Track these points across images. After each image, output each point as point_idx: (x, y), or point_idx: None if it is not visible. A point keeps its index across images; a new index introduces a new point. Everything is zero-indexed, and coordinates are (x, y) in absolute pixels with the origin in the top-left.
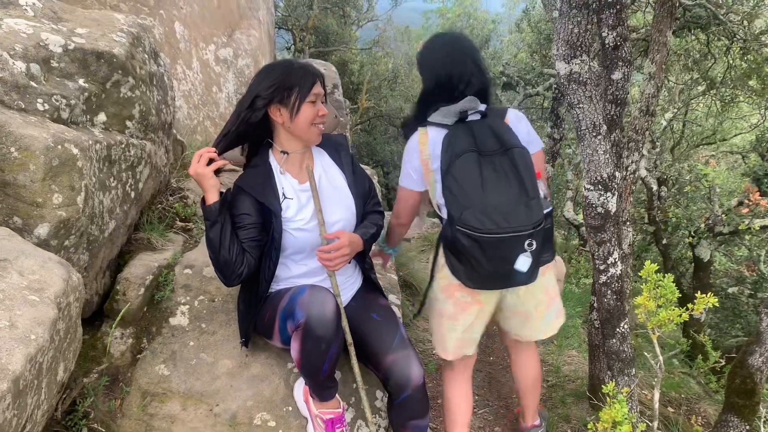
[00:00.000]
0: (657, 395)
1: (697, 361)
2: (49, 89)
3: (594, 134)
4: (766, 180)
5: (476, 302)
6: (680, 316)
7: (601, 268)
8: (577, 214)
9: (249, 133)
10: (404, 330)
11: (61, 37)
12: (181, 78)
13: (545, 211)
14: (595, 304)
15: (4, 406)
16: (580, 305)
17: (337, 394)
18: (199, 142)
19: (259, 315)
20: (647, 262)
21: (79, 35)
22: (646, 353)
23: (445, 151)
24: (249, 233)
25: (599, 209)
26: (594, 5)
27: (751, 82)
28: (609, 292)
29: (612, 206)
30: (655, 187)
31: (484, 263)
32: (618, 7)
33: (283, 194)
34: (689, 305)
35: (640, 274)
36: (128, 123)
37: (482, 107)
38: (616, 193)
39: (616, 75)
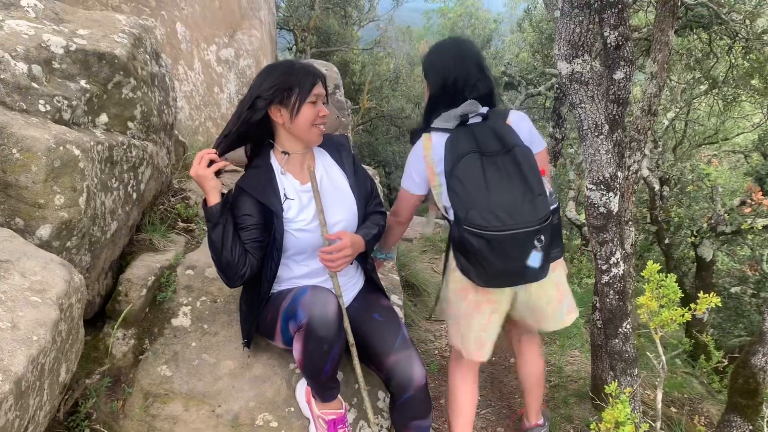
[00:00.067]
0: (660, 395)
1: (699, 361)
2: (50, 90)
3: (596, 134)
4: None
5: (488, 301)
6: (683, 316)
7: (604, 268)
8: (579, 214)
9: (250, 134)
10: (406, 330)
11: (63, 38)
12: (182, 79)
13: (551, 208)
14: (598, 304)
15: (7, 407)
16: (582, 305)
17: (339, 395)
18: (201, 143)
19: (261, 316)
20: (650, 262)
21: (80, 36)
22: (648, 353)
23: (448, 154)
24: (251, 234)
25: (601, 209)
26: (596, 5)
27: (753, 82)
28: (611, 292)
29: (614, 206)
30: (657, 187)
31: (493, 261)
32: (620, 6)
33: (285, 195)
34: (692, 305)
35: (642, 274)
36: (130, 124)
37: (483, 110)
38: (618, 192)
39: (618, 74)
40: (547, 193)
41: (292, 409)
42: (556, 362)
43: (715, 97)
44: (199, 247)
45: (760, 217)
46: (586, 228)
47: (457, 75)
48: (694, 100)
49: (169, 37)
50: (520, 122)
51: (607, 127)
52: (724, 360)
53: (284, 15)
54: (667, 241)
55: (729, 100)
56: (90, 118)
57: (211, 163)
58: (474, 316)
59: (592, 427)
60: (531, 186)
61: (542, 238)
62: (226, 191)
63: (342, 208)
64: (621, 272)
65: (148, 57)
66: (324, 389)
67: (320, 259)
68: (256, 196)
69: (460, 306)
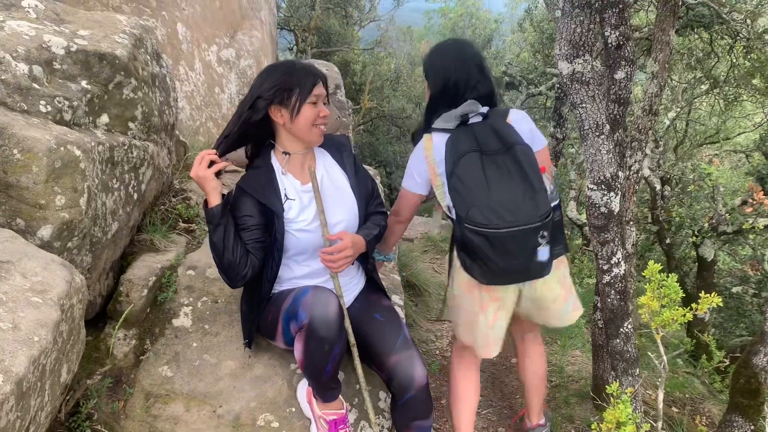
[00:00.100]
0: (661, 395)
1: (701, 361)
2: (51, 91)
3: (597, 134)
4: None
5: (494, 299)
6: (684, 316)
7: (605, 268)
8: (580, 214)
9: (251, 134)
10: (407, 330)
11: (64, 38)
12: (183, 79)
13: (552, 204)
14: (599, 304)
15: (8, 408)
16: (583, 305)
17: (340, 395)
18: (202, 143)
19: (262, 316)
20: (651, 262)
21: (81, 37)
22: (650, 353)
23: (449, 154)
24: (252, 235)
25: (602, 209)
26: (597, 4)
27: (754, 81)
28: (612, 292)
29: (615, 206)
30: (658, 187)
31: (495, 259)
32: (620, 6)
33: (285, 195)
34: (693, 305)
35: (643, 273)
36: (131, 124)
37: (483, 109)
38: (620, 192)
39: (619, 74)
40: (548, 190)
41: (294, 409)
42: (557, 362)
43: (716, 97)
44: (200, 248)
45: (761, 217)
46: (587, 228)
47: (458, 76)
48: (695, 100)
49: (169, 37)
50: (520, 121)
51: (608, 126)
52: (725, 360)
53: (285, 15)
54: (668, 240)
55: (730, 100)
56: (91, 118)
57: (212, 164)
58: (480, 314)
59: (593, 427)
60: (531, 183)
61: (545, 234)
62: (226, 192)
63: (343, 208)
64: (622, 272)
65: (149, 57)
66: (325, 389)
67: (321, 259)
68: (257, 197)
69: (467, 304)
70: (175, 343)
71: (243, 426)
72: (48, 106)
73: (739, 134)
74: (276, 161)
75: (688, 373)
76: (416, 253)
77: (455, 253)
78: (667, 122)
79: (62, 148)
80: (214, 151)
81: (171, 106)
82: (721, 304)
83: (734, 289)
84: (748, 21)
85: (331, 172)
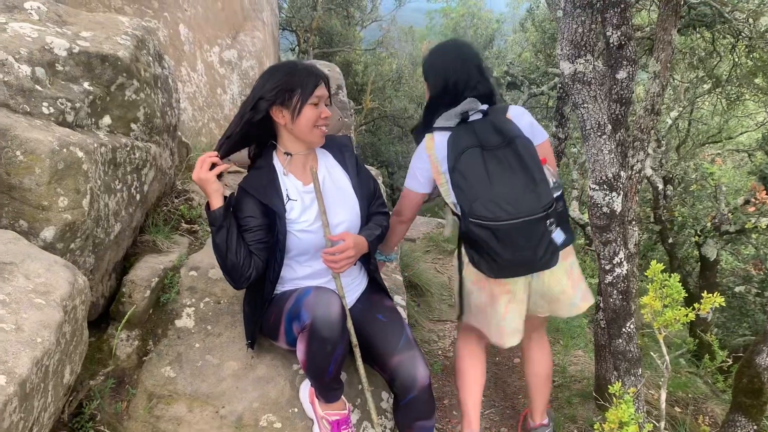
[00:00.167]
0: (664, 395)
1: (704, 361)
2: (54, 93)
3: (599, 134)
4: None
5: (504, 292)
6: (687, 315)
7: (607, 267)
8: (582, 214)
9: (253, 135)
10: (410, 331)
11: (66, 40)
12: (185, 80)
13: (555, 195)
14: (601, 304)
15: (11, 409)
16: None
17: (342, 396)
18: (204, 144)
19: (265, 317)
20: (653, 262)
21: (83, 38)
22: (652, 353)
23: (450, 151)
24: (255, 236)
25: (604, 209)
26: (598, 4)
27: (757, 80)
28: (615, 291)
29: (617, 206)
30: (660, 186)
31: (501, 252)
32: (622, 5)
33: (287, 196)
34: (696, 305)
35: (646, 273)
36: (133, 126)
37: (483, 107)
38: (622, 192)
39: (621, 74)
40: (550, 182)
41: (296, 409)
42: (560, 362)
43: (719, 96)
44: (202, 249)
45: (764, 216)
46: (589, 228)
47: (457, 77)
48: (698, 99)
49: (171, 38)
50: (520, 116)
51: (609, 126)
52: (728, 359)
53: (287, 16)
54: (670, 240)
55: (732, 99)
56: (93, 120)
57: (213, 166)
58: (489, 305)
59: (596, 427)
60: (533, 175)
61: (552, 220)
62: (228, 194)
63: (345, 208)
64: (624, 272)
65: (151, 59)
66: (327, 390)
67: (323, 260)
68: (259, 197)
69: (476, 299)
70: (177, 344)
71: (246, 426)
72: (50, 108)
73: (741, 133)
74: (278, 162)
75: (690, 373)
76: (418, 253)
77: (463, 250)
78: (670, 122)
79: (65, 150)
80: (215, 153)
81: (173, 107)
82: (723, 304)
83: (737, 289)
84: (750, 20)
85: (333, 173)
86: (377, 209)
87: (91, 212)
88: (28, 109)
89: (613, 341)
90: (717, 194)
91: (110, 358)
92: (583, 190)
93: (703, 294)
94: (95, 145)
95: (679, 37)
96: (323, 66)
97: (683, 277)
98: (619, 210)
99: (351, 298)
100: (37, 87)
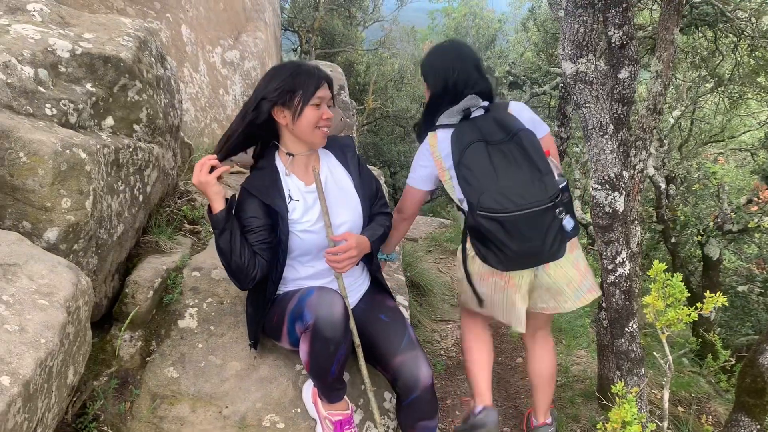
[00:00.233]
0: (667, 395)
1: (707, 360)
2: (57, 94)
3: (601, 133)
4: None
5: (509, 285)
6: (689, 315)
7: (609, 267)
8: (585, 213)
9: (256, 135)
10: (412, 331)
11: (69, 42)
12: (188, 81)
13: (561, 186)
14: (604, 304)
15: (15, 409)
16: (588, 305)
17: (345, 396)
18: (207, 145)
19: (268, 317)
20: (656, 261)
21: (86, 40)
22: (655, 353)
23: (455, 146)
24: (258, 236)
25: (607, 209)
26: (600, 4)
27: (759, 79)
28: (617, 291)
29: (620, 206)
30: (663, 186)
31: (510, 243)
32: (624, 5)
33: (290, 196)
34: (698, 304)
35: (648, 273)
36: (136, 127)
37: (484, 103)
38: (624, 192)
39: (623, 74)
40: (555, 173)
41: (299, 410)
42: (562, 362)
43: (721, 95)
44: (205, 249)
45: (766, 216)
46: (591, 227)
47: (457, 76)
48: (700, 98)
49: (174, 39)
50: (521, 111)
51: (611, 126)
52: (731, 359)
53: (289, 16)
54: (673, 239)
55: (735, 98)
56: (96, 121)
57: (212, 169)
58: (496, 294)
59: (598, 427)
60: (538, 167)
61: (560, 208)
62: (230, 195)
63: (347, 209)
64: (627, 272)
65: (153, 60)
66: (330, 390)
67: (326, 260)
68: (261, 198)
69: (482, 289)
70: (180, 345)
71: (249, 427)
72: (53, 109)
73: (744, 132)
74: (280, 162)
75: (693, 373)
76: (421, 253)
77: (468, 244)
78: (672, 121)
79: (68, 151)
80: (215, 156)
81: (176, 108)
82: (726, 303)
83: (740, 288)
84: (753, 19)
85: (335, 173)
86: (379, 209)
87: (94, 213)
88: (31, 111)
89: (616, 341)
90: (719, 193)
91: (113, 359)
92: (586, 190)
93: (705, 293)
94: (98, 147)
95: (682, 36)
96: (325, 66)
97: (686, 277)
98: (621, 210)
99: (353, 298)
100: (40, 88)
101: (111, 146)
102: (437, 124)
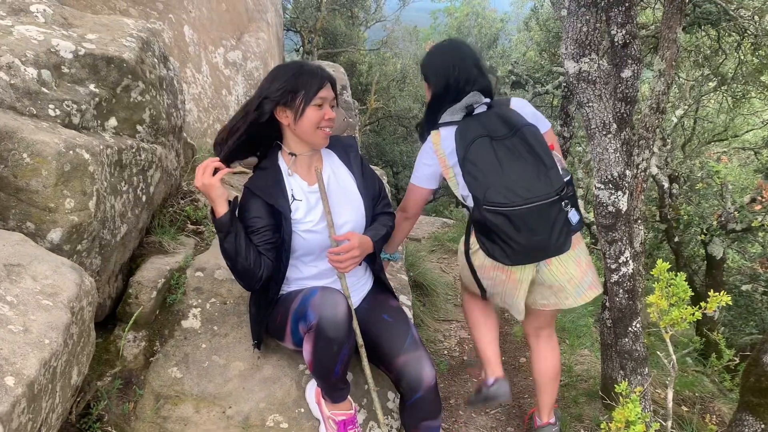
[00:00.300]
0: (670, 394)
1: (710, 360)
2: (60, 95)
3: (604, 133)
4: None
5: (510, 281)
6: (693, 314)
7: (613, 267)
8: (588, 213)
9: (258, 136)
10: (416, 331)
11: (72, 42)
12: (190, 81)
13: (565, 179)
14: (607, 303)
15: (20, 410)
16: (591, 304)
17: (349, 396)
18: (210, 145)
19: (271, 317)
20: (659, 261)
21: (89, 41)
22: (658, 352)
23: (459, 142)
24: (263, 236)
25: (610, 208)
26: (602, 3)
27: (762, 78)
28: (621, 291)
29: (623, 205)
30: (666, 185)
31: (517, 237)
32: (627, 4)
33: (292, 196)
34: (702, 303)
35: (652, 272)
36: (139, 127)
37: (486, 100)
38: (627, 191)
39: (626, 73)
40: (559, 167)
41: (302, 410)
42: (566, 361)
43: (724, 94)
44: (208, 249)
45: None
46: (595, 227)
47: (458, 74)
48: (703, 97)
49: (176, 40)
50: (523, 107)
51: (615, 125)
52: (735, 358)
53: (291, 17)
54: (676, 239)
55: (738, 97)
56: (99, 122)
57: (215, 171)
58: (497, 288)
59: (602, 426)
60: (543, 160)
61: (566, 201)
62: (232, 197)
63: (350, 209)
64: (630, 271)
65: (156, 60)
66: (334, 390)
67: (329, 260)
68: (265, 198)
69: (483, 282)
70: (184, 345)
71: (252, 427)
72: (57, 110)
73: (747, 131)
74: (283, 162)
75: (697, 372)
76: (424, 252)
77: (472, 238)
78: (675, 120)
79: (71, 152)
80: (217, 159)
81: (178, 109)
82: (730, 302)
83: (744, 287)
84: (756, 18)
85: (337, 173)
86: (382, 209)
87: (97, 214)
88: (35, 112)
89: (620, 340)
90: (723, 192)
91: (117, 359)
92: (589, 189)
93: (709, 292)
94: (101, 147)
95: (684, 35)
96: (328, 66)
97: (689, 276)
98: (624, 209)
99: (356, 298)
100: (44, 89)
101: (114, 147)
102: (440, 122)
